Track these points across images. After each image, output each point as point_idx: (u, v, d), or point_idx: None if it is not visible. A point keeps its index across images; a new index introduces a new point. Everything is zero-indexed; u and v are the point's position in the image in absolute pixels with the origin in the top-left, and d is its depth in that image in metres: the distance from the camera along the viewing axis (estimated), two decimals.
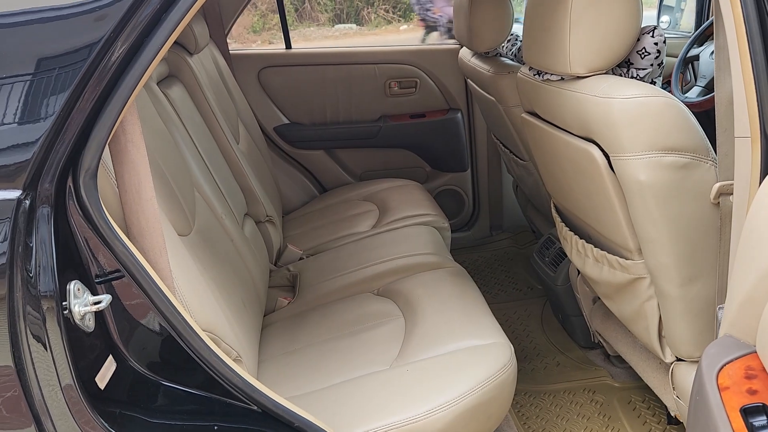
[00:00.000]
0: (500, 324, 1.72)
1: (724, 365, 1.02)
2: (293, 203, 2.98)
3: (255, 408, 1.24)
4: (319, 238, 2.50)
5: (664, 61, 1.48)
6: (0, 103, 1.01)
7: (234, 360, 1.45)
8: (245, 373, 1.22)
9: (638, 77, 1.47)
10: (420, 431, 1.41)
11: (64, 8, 1.01)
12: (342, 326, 1.84)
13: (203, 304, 1.35)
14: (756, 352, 1.01)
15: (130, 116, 1.12)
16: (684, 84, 2.65)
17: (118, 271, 1.11)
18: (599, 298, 2.06)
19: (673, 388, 1.60)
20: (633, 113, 1.31)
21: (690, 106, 2.40)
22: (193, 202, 1.69)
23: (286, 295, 2.16)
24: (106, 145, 1.06)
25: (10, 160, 1.00)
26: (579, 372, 2.21)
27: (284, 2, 2.89)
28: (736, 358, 1.02)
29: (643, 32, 1.46)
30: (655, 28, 1.46)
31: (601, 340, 2.13)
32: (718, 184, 1.32)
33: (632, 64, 1.48)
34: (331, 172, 3.07)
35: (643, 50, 1.45)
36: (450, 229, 2.52)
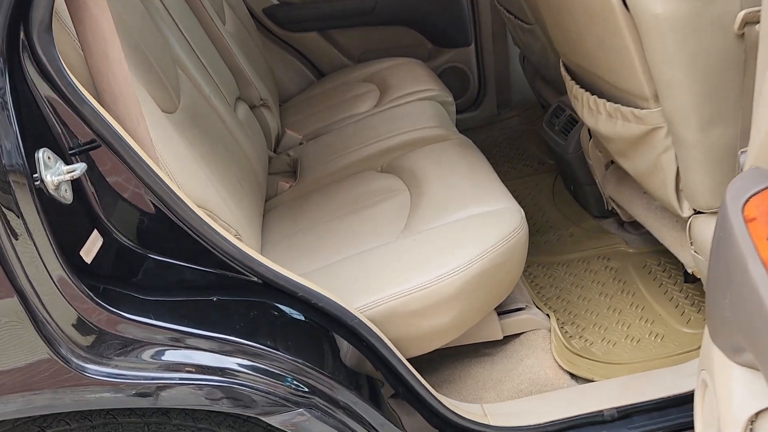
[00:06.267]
0: None
1: (751, 197, 0.94)
2: (290, 90, 2.86)
3: (256, 280, 1.19)
4: (318, 122, 2.40)
5: None
6: None
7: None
8: (241, 243, 1.16)
9: None
10: (431, 297, 1.37)
11: None
12: (345, 205, 1.78)
13: (192, 178, 1.28)
14: None
15: None
16: None
17: (93, 141, 1.03)
18: (612, 163, 1.98)
19: (691, 243, 1.55)
20: None
21: None
22: (175, 79, 1.58)
23: (288, 179, 2.10)
24: None
25: None
26: (593, 241, 2.15)
27: None
28: (764, 189, 0.94)
29: None
30: None
31: (615, 207, 2.06)
32: (743, 12, 1.20)
33: None
34: (327, 55, 2.91)
35: None
36: (454, 104, 2.42)
